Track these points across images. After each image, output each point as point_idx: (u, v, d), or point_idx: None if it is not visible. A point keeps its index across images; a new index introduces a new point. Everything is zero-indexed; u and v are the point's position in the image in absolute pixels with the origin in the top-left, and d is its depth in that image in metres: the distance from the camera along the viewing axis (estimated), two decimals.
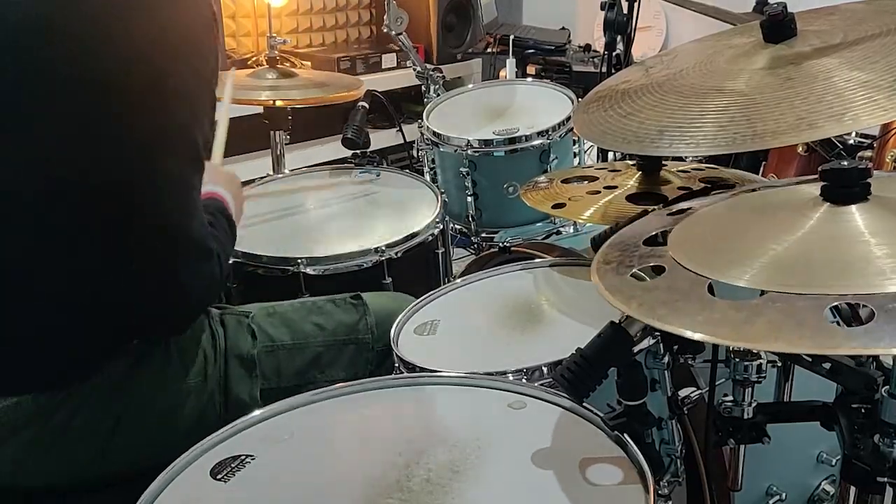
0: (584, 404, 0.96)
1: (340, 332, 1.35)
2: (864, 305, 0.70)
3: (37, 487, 1.13)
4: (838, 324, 0.70)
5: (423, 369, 1.15)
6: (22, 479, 1.12)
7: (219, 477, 0.92)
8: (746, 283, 0.75)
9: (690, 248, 0.87)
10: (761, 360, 0.95)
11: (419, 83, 2.39)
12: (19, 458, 1.10)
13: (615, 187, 1.44)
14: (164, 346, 1.20)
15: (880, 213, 0.80)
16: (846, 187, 0.82)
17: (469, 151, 1.97)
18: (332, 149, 3.09)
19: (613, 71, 2.27)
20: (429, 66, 2.37)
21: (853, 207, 0.82)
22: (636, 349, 0.97)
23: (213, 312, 1.30)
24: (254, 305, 1.37)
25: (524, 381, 1.09)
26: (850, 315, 0.88)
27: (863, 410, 0.85)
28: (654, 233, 0.94)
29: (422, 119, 2.12)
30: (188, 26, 1.09)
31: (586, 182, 1.52)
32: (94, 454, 1.14)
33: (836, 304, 0.71)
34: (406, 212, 1.76)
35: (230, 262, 1.32)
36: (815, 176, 0.87)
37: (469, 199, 2.02)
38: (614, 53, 2.30)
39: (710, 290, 0.78)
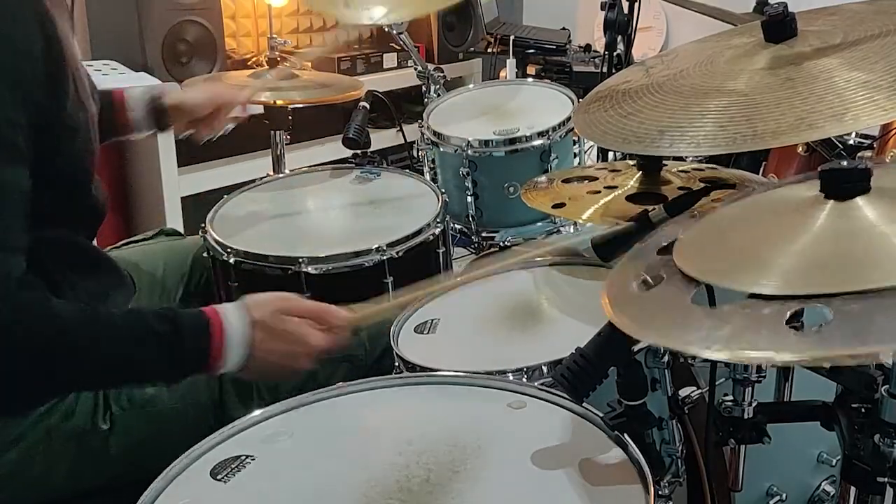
0: (584, 404, 0.96)
1: (335, 350, 1.33)
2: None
3: (32, 501, 1.13)
4: (798, 329, 0.69)
5: (423, 369, 1.15)
6: (14, 495, 1.12)
7: (219, 477, 0.92)
8: (774, 290, 0.73)
9: (696, 255, 0.85)
10: None
11: (419, 83, 2.38)
12: (9, 474, 1.10)
13: (615, 187, 1.44)
14: None
15: (887, 202, 0.79)
16: (848, 182, 0.82)
17: (469, 151, 1.97)
18: (333, 149, 3.09)
19: (614, 71, 2.27)
20: (430, 65, 2.37)
21: (858, 200, 0.80)
22: (636, 349, 0.97)
23: None
24: None
25: (524, 381, 1.09)
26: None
27: (863, 410, 0.85)
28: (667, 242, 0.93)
29: (422, 119, 2.12)
30: None
31: (586, 182, 1.52)
32: (87, 468, 1.13)
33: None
34: (406, 212, 1.76)
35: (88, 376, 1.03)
36: (811, 174, 0.86)
37: (469, 198, 2.02)
38: (615, 53, 2.30)
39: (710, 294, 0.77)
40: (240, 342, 1.06)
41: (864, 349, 0.63)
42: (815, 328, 0.67)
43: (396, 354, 1.21)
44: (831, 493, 1.29)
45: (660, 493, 0.92)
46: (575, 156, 2.07)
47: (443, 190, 1.83)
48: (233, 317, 1.07)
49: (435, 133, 2.04)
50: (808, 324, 0.70)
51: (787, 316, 0.68)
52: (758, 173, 2.38)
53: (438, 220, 1.71)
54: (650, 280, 0.83)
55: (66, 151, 1.08)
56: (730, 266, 0.80)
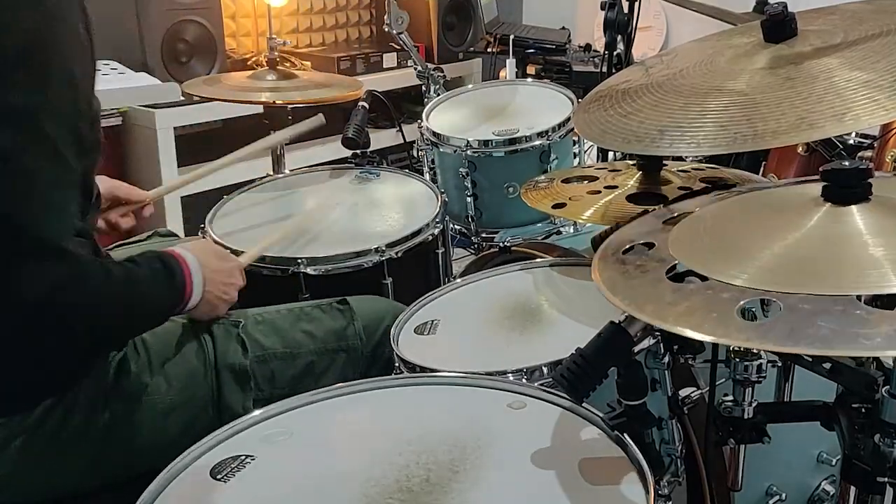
0: (584, 404, 0.95)
1: (331, 340, 1.34)
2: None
3: (32, 500, 1.13)
4: (748, 318, 0.73)
5: (423, 369, 1.15)
6: (15, 493, 1.12)
7: (219, 477, 0.92)
8: (744, 283, 0.76)
9: (689, 242, 0.88)
10: (761, 360, 0.95)
11: (419, 83, 2.38)
12: (10, 473, 1.09)
13: (615, 187, 1.45)
14: (142, 358, 1.19)
15: (880, 214, 0.81)
16: (847, 188, 0.82)
17: (469, 152, 1.97)
18: (332, 149, 3.08)
19: (614, 71, 2.27)
20: (430, 65, 2.37)
21: (853, 208, 0.82)
22: (636, 349, 0.97)
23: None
24: (241, 313, 1.34)
25: (524, 381, 1.09)
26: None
27: (863, 410, 0.85)
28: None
29: (421, 119, 2.12)
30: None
31: (586, 182, 1.52)
32: (87, 464, 1.13)
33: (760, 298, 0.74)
34: (406, 212, 1.76)
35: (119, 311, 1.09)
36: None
37: (469, 199, 2.02)
38: (614, 53, 2.30)
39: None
40: (197, 270, 1.19)
41: (793, 349, 0.67)
42: (760, 320, 0.71)
43: (396, 355, 1.21)
44: (831, 493, 1.29)
45: (660, 492, 0.92)
46: (575, 156, 2.07)
47: (442, 190, 1.83)
48: (186, 254, 1.19)
49: (434, 133, 2.04)
50: (758, 315, 0.74)
51: (740, 304, 0.73)
52: (758, 173, 2.38)
53: (438, 220, 1.71)
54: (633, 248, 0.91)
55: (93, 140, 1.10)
56: (711, 255, 0.83)
